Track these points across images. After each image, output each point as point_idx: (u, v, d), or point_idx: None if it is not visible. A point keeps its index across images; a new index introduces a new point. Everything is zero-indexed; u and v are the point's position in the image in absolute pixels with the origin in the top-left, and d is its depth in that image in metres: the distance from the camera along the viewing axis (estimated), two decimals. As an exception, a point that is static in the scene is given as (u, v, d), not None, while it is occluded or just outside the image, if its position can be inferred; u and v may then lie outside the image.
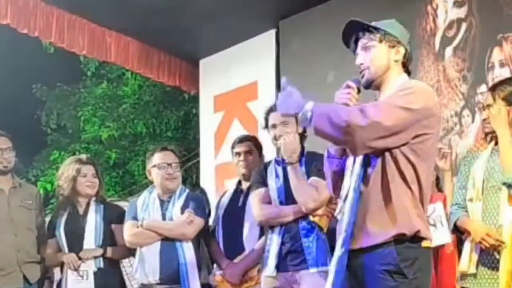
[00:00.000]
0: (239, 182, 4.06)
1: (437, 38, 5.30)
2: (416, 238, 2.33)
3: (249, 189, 3.90)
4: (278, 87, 6.34)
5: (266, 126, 3.64)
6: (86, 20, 6.19)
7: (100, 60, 7.48)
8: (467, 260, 3.04)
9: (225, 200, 4.05)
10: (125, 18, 6.16)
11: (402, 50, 2.48)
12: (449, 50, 5.23)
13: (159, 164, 3.88)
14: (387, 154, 2.34)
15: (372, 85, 2.49)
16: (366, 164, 2.38)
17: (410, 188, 2.34)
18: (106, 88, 10.12)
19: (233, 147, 4.06)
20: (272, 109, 3.56)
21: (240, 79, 6.72)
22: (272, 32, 6.39)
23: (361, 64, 2.48)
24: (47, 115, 10.48)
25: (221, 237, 3.93)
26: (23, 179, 4.45)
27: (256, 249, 3.76)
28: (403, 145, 2.33)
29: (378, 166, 2.35)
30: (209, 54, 6.98)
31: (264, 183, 3.62)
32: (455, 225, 3.17)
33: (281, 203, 3.54)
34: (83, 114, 10.02)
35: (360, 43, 2.49)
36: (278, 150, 3.63)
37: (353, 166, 2.42)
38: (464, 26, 5.14)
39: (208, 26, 6.28)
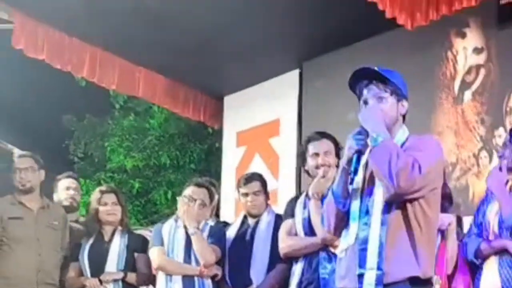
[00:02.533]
0: (245, 217, 4.06)
1: (456, 82, 5.31)
2: (427, 280, 2.43)
3: (256, 223, 3.95)
4: (300, 124, 6.39)
5: (303, 154, 3.62)
6: (117, 57, 6.29)
7: (129, 94, 7.56)
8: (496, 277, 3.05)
9: (231, 234, 4.04)
10: (154, 55, 6.25)
11: (406, 105, 2.57)
12: (468, 94, 5.24)
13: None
14: (407, 203, 2.41)
15: None
16: (387, 210, 2.43)
17: (422, 233, 2.41)
18: (133, 121, 10.22)
19: (239, 187, 4.06)
20: (312, 138, 3.59)
21: (263, 116, 6.76)
22: (296, 72, 6.44)
23: None
24: (75, 144, 10.58)
25: (227, 270, 3.93)
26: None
27: (265, 282, 3.77)
28: (423, 196, 2.42)
29: (397, 212, 2.42)
30: (233, 91, 7.03)
31: (293, 215, 3.62)
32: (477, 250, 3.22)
33: (305, 234, 3.53)
34: (109, 144, 10.11)
35: (371, 91, 2.53)
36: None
37: (362, 208, 2.48)
38: (483, 71, 5.15)
39: (233, 64, 6.36)
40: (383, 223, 2.39)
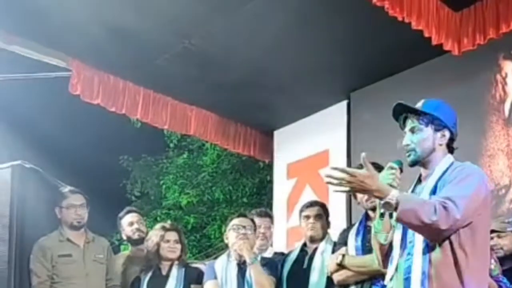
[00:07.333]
0: (304, 244, 4.07)
1: (507, 104, 5.16)
2: None
3: (314, 250, 3.94)
4: (349, 155, 6.30)
5: None
6: (170, 97, 6.33)
7: (181, 133, 7.61)
8: None
9: (290, 261, 4.04)
10: (204, 94, 6.28)
11: (447, 134, 2.56)
12: (518, 116, 5.10)
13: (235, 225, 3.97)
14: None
15: (418, 164, 2.55)
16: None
17: (469, 260, 2.36)
18: (187, 158, 10.35)
19: (301, 211, 4.09)
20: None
21: (312, 148, 6.70)
22: (344, 103, 6.38)
23: (407, 145, 2.53)
24: (132, 183, 10.76)
25: None
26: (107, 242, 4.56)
27: None
28: (467, 225, 2.38)
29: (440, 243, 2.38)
30: (283, 125, 7.01)
31: (345, 243, 3.64)
32: None
33: None
34: (165, 182, 10.24)
35: (408, 124, 2.56)
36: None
37: (404, 238, 2.46)
38: (533, 94, 5.01)
39: (282, 99, 6.34)
40: (424, 253, 2.37)
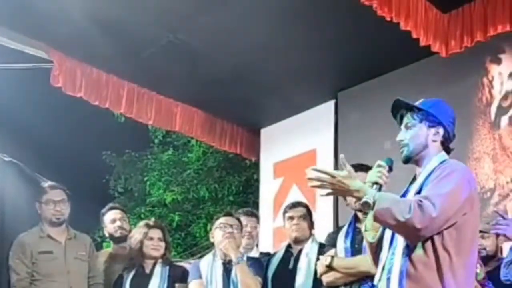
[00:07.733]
0: (289, 245, 4.09)
1: (493, 108, 5.21)
2: None
3: (300, 251, 3.96)
4: (336, 154, 6.33)
5: None
6: (155, 93, 6.30)
7: (166, 129, 7.58)
8: None
9: (275, 262, 4.06)
10: (191, 90, 6.27)
11: (441, 131, 2.54)
12: (504, 119, 5.14)
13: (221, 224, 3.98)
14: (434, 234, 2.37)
15: (411, 161, 2.55)
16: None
17: (453, 262, 2.35)
18: (172, 155, 10.31)
19: (285, 212, 4.11)
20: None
21: (299, 147, 6.72)
22: (331, 103, 6.41)
23: (401, 141, 2.54)
24: (115, 179, 10.70)
25: None
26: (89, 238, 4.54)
27: None
28: (451, 225, 2.36)
29: (422, 244, 2.37)
30: (270, 123, 7.04)
31: (334, 245, 3.64)
32: None
33: None
34: (149, 179, 10.20)
35: (403, 120, 2.58)
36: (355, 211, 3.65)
37: (392, 238, 2.47)
38: (519, 96, 5.05)
39: (269, 97, 6.36)
40: (404, 252, 2.37)
